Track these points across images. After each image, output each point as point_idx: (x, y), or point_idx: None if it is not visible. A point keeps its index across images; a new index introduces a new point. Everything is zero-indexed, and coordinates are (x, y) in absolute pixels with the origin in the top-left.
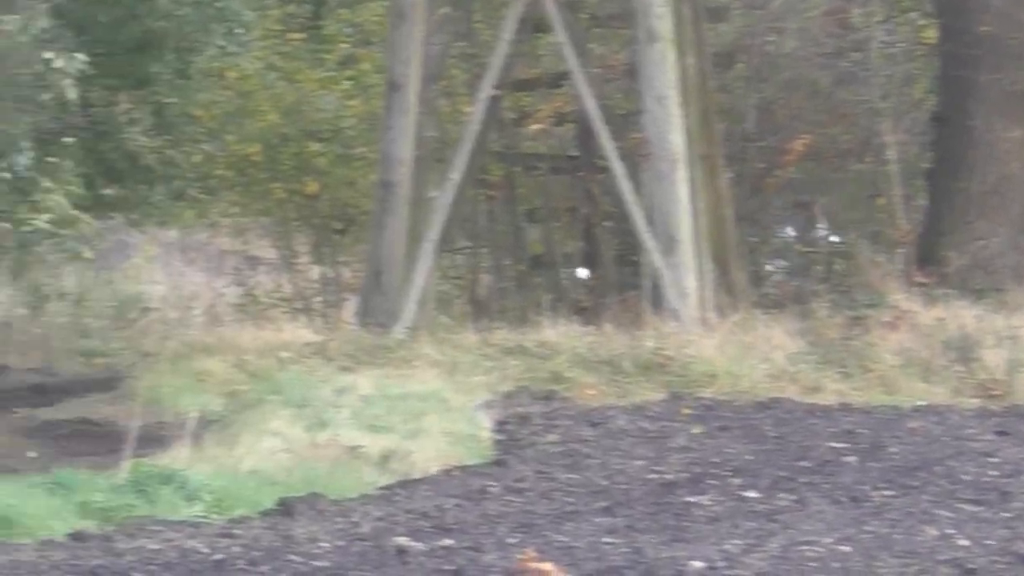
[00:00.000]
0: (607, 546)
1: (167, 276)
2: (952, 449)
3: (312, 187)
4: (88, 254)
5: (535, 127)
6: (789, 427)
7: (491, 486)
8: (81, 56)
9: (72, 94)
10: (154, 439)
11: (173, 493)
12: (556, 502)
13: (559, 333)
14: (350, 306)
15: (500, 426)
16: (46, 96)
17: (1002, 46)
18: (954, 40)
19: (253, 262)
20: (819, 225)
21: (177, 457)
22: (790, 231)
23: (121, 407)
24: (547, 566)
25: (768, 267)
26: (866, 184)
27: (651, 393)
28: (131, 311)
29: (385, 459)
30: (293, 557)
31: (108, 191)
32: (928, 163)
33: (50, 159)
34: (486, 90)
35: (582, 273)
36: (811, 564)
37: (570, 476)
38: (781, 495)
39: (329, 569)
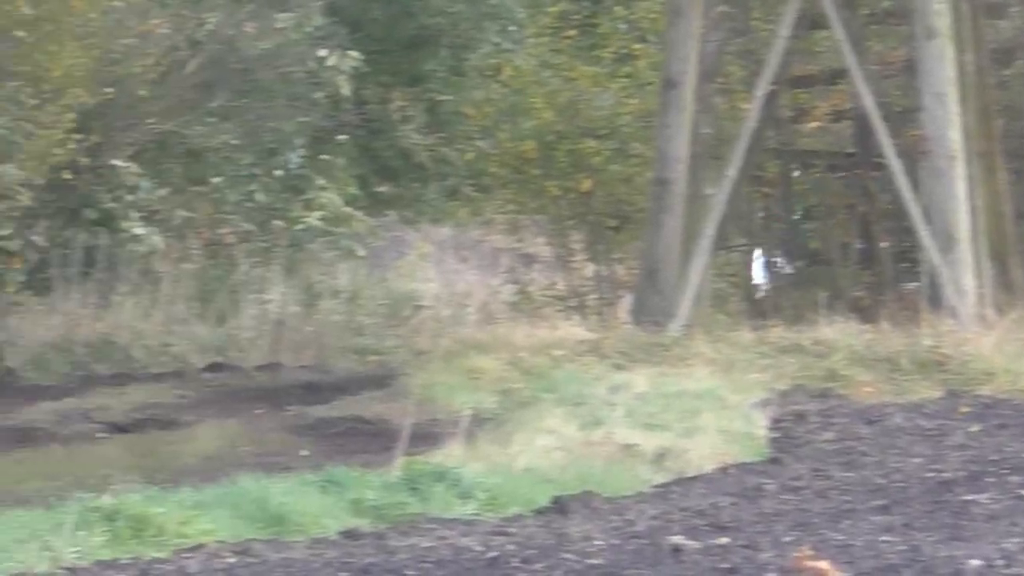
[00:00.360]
0: (884, 544)
1: (440, 274)
2: None
3: (586, 184)
4: (361, 252)
5: (812, 124)
6: None
7: (767, 484)
8: (355, 53)
9: (346, 91)
10: (427, 437)
11: (446, 491)
12: (832, 500)
13: (836, 330)
14: (624, 303)
15: (776, 424)
16: (319, 94)
17: None
18: None
19: (527, 259)
20: None
21: (450, 455)
22: None
23: (394, 405)
24: (823, 564)
25: None
26: None
27: (928, 391)
28: (404, 309)
29: (660, 457)
30: (567, 555)
31: (381, 189)
32: None
33: (323, 157)
34: (763, 87)
35: (758, 272)
36: None
37: (846, 474)
38: None
39: (603, 567)
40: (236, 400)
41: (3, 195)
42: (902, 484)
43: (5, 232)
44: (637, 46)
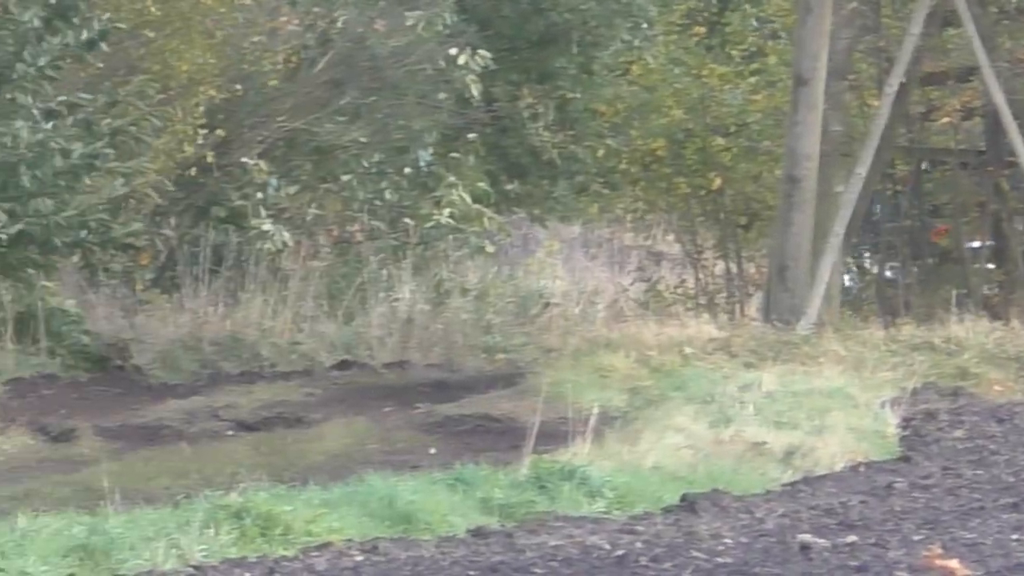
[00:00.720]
0: (1014, 543)
1: (569, 271)
2: None
3: (716, 182)
4: (490, 249)
5: (943, 121)
6: None
7: (897, 482)
8: (484, 52)
9: (475, 90)
10: (555, 435)
11: (574, 489)
12: (962, 499)
13: (966, 329)
14: (754, 302)
15: (906, 422)
16: (448, 92)
17: None
18: None
19: (656, 257)
20: None
21: (578, 453)
22: None
23: (522, 403)
24: (953, 563)
25: None
26: None
27: None
28: (533, 307)
29: (789, 455)
30: (696, 553)
31: (511, 186)
32: None
33: (453, 155)
34: (894, 84)
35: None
36: None
37: (976, 472)
38: None
39: (732, 565)
40: (364, 398)
41: (131, 194)
42: None
43: (134, 230)
44: (768, 43)
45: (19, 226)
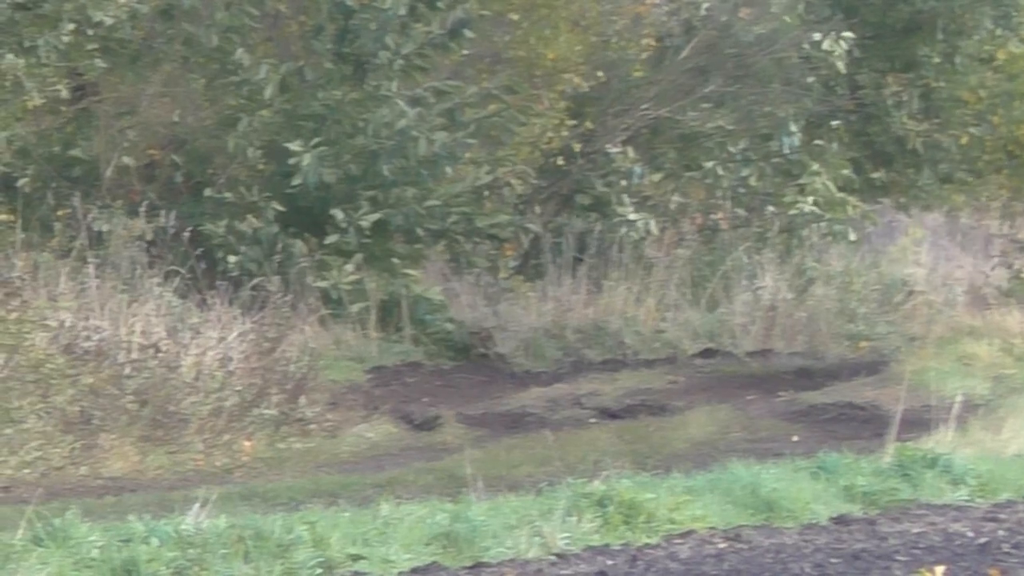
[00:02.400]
0: None
1: (932, 259)
2: None
3: None
4: (853, 237)
5: None
6: None
7: None
8: (848, 34)
9: (842, 71)
10: (918, 423)
11: (937, 477)
12: None
13: None
14: None
15: None
16: (813, 78)
17: None
18: None
19: (1021, 244)
20: None
21: (941, 441)
22: None
23: (885, 390)
24: None
25: None
26: None
27: None
28: (896, 295)
29: None
30: None
31: (875, 174)
32: None
33: (817, 142)
34: None
35: None
36: None
37: None
38: None
39: None
40: (728, 386)
41: (495, 183)
42: None
43: (501, 219)
44: None
45: (378, 215)
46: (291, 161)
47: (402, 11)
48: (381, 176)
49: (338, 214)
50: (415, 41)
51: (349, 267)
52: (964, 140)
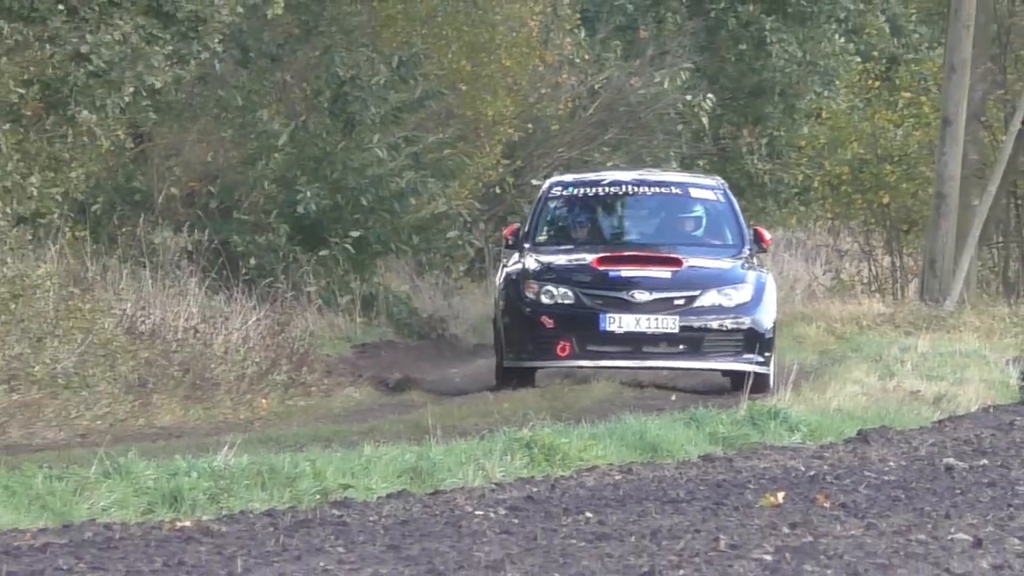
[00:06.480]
0: None
1: (775, 265)
2: None
3: (885, 198)
4: None
5: None
6: None
7: (1017, 420)
8: (712, 97)
9: (706, 122)
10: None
11: (778, 425)
12: None
13: None
14: (912, 286)
15: None
16: (685, 128)
17: None
18: None
19: (840, 254)
20: None
21: (782, 399)
22: None
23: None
24: None
25: None
26: None
27: None
28: None
29: (937, 400)
30: (868, 473)
31: None
32: None
33: None
34: (1016, 124)
35: None
36: None
37: None
38: None
39: (895, 482)
40: None
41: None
42: None
43: (452, 236)
44: (921, 96)
45: (359, 233)
46: (297, 195)
47: (382, 82)
48: (362, 205)
49: (330, 233)
50: (391, 104)
51: (339, 271)
52: (800, 177)
